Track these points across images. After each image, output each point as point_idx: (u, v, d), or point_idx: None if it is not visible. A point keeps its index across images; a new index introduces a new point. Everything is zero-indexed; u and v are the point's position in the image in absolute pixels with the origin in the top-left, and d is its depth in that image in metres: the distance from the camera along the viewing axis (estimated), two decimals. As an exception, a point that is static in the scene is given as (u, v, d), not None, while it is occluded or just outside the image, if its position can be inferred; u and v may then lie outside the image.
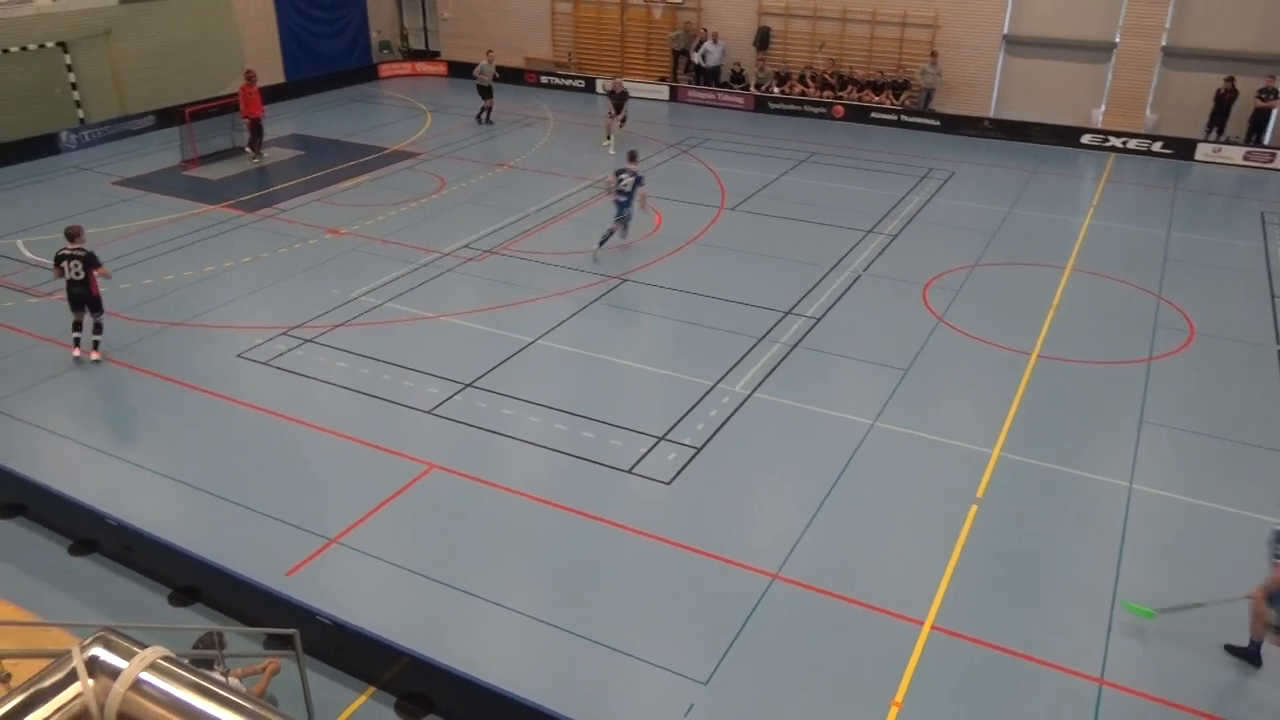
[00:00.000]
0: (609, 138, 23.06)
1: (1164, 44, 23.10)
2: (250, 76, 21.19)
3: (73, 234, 12.25)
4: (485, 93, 24.57)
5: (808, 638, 8.14)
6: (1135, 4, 22.94)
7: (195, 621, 8.16)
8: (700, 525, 9.53)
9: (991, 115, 24.94)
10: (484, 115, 24.78)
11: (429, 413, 11.37)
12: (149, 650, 2.81)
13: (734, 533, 9.48)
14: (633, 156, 16.28)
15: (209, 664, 6.06)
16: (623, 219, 16.01)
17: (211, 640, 6.33)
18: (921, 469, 10.48)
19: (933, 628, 8.20)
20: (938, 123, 24.68)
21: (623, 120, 23.51)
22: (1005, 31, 24.49)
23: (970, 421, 11.34)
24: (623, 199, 15.84)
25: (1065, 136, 23.75)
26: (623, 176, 15.80)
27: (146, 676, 2.75)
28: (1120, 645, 8.05)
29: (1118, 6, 23.20)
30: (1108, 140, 23.41)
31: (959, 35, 24.92)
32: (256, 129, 21.44)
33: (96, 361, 12.43)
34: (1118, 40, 23.47)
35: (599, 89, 27.26)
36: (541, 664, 7.88)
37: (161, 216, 17.83)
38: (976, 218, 18.33)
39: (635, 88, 28.36)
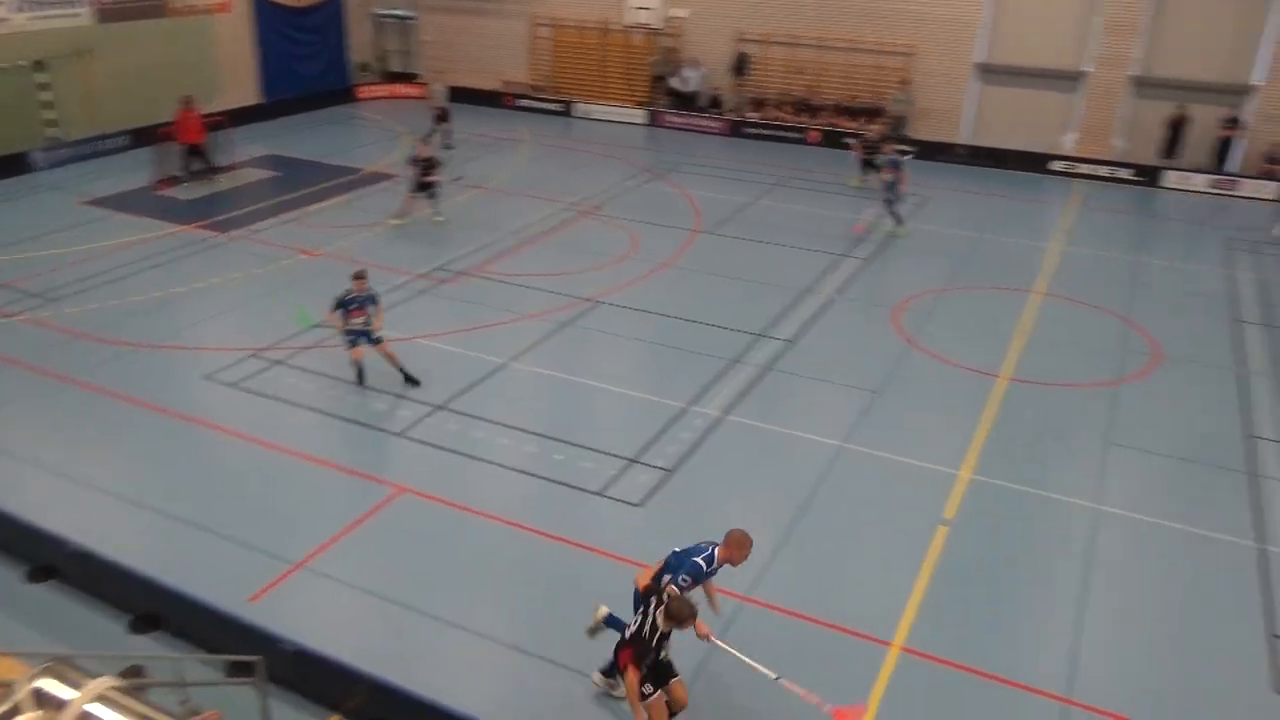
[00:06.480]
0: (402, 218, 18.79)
1: (1133, 74, 23.53)
2: (187, 102, 20.98)
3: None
4: (443, 115, 24.74)
5: (778, 659, 8.07)
6: (1106, 34, 23.39)
7: (155, 650, 8.04)
8: (671, 547, 9.44)
9: (965, 142, 25.26)
10: (449, 140, 24.85)
11: (399, 435, 11.31)
12: (98, 681, 2.79)
13: (703, 556, 9.44)
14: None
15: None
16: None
17: (139, 672, 6.24)
18: (891, 490, 10.52)
19: (901, 649, 8.20)
20: (912, 149, 24.96)
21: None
22: (978, 60, 24.86)
23: (940, 443, 11.40)
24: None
25: (1037, 163, 24.09)
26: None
27: (94, 708, 2.72)
28: (1087, 665, 8.08)
29: (1088, 37, 23.63)
30: (1078, 167, 23.77)
31: (933, 63, 25.27)
32: (195, 154, 21.29)
33: None
34: (1088, 69, 23.88)
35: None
36: (510, 690, 7.81)
37: (131, 236, 17.69)
38: (948, 242, 18.52)
39: (615, 112, 28.60)
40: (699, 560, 7.13)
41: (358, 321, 12.11)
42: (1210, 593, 9.04)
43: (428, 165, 18.48)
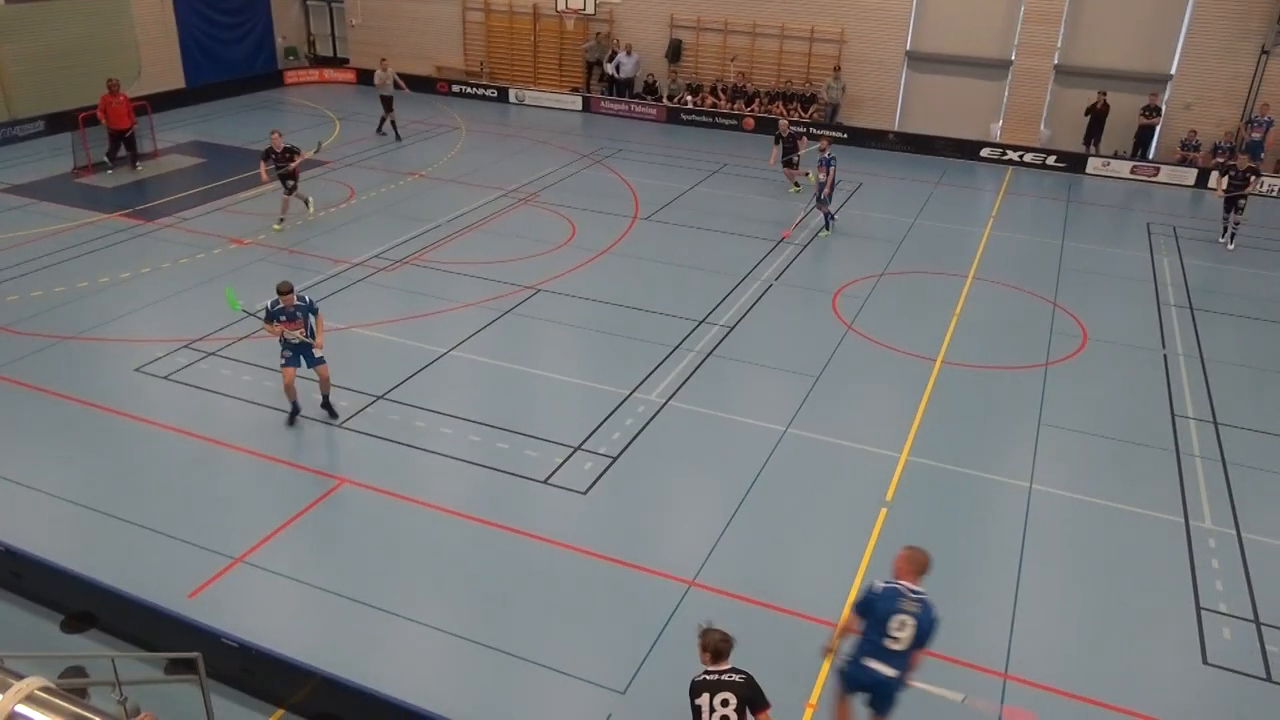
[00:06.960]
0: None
1: (1056, 62, 24.16)
2: (113, 86, 20.18)
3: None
4: (387, 104, 23.93)
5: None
6: (1029, 24, 23.95)
7: (90, 649, 7.80)
8: (616, 534, 9.52)
9: (896, 129, 25.66)
10: (384, 127, 24.13)
11: (339, 426, 11.12)
12: (26, 681, 2.67)
13: (650, 541, 9.49)
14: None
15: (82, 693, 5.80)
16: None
17: (80, 673, 6.07)
18: (833, 474, 10.68)
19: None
20: (845, 135, 25.27)
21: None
22: (908, 48, 25.25)
23: (879, 427, 11.60)
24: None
25: (966, 150, 24.59)
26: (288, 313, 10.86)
27: (22, 709, 2.62)
28: (1024, 641, 8.32)
29: (1013, 26, 24.17)
30: (1005, 154, 24.33)
31: (864, 51, 25.60)
32: (121, 141, 20.46)
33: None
34: (1013, 58, 24.43)
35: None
36: (457, 679, 7.76)
37: (52, 226, 17.05)
38: (883, 228, 18.83)
39: (550, 99, 28.40)
40: (934, 613, 6.62)
41: (296, 334, 10.76)
42: (1141, 568, 9.38)
43: (288, 154, 17.00)
